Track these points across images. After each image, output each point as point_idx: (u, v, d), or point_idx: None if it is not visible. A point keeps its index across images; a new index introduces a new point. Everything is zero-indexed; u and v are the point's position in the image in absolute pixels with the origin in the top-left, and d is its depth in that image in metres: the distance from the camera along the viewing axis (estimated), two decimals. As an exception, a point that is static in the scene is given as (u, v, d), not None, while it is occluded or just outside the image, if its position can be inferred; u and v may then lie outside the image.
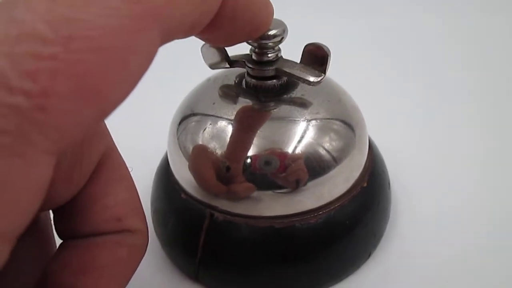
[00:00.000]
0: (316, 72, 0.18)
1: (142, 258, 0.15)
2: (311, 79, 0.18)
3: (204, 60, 0.19)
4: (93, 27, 0.09)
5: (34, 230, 0.15)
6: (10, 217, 0.09)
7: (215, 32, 0.13)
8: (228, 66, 0.19)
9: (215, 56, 0.19)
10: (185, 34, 0.12)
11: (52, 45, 0.09)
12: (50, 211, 0.15)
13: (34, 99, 0.09)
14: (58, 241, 0.15)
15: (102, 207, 0.14)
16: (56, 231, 0.15)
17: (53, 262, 0.14)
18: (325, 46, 0.18)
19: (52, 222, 0.15)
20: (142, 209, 0.15)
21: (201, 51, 0.19)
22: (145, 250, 0.15)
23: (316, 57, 0.18)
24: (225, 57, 0.19)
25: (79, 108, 0.09)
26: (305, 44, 0.18)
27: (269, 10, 0.15)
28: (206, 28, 0.13)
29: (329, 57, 0.17)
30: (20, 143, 0.09)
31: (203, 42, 0.18)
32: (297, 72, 0.18)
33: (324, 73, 0.18)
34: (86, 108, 0.09)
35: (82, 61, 0.09)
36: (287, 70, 0.18)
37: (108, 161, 0.15)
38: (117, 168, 0.15)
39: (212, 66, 0.19)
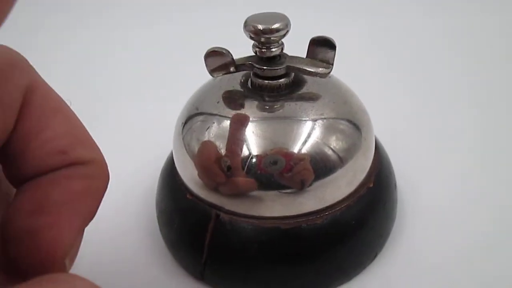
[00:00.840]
0: (324, 64, 0.18)
1: (104, 188, 0.14)
2: (321, 71, 0.18)
3: (207, 68, 0.19)
4: None
5: None
6: None
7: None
8: (234, 70, 0.19)
9: (219, 63, 0.19)
10: None
11: None
12: None
13: None
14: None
15: (40, 143, 0.13)
16: (7, 179, 0.14)
17: (9, 208, 0.13)
18: (331, 38, 0.18)
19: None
20: (91, 138, 0.15)
21: (205, 60, 0.19)
22: (105, 180, 0.14)
23: (322, 50, 0.18)
24: (231, 62, 0.19)
25: None
26: (309, 40, 0.18)
27: None
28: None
29: (335, 50, 0.18)
30: None
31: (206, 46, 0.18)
32: (307, 67, 0.18)
33: (332, 64, 0.18)
34: None
35: None
36: (298, 65, 0.18)
37: (35, 95, 0.14)
38: (49, 101, 0.14)
39: (215, 74, 0.19)
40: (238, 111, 0.19)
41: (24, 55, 0.14)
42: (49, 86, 0.14)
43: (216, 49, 0.18)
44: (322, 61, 0.18)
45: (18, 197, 0.14)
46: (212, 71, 0.19)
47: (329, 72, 0.18)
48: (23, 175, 0.14)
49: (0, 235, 0.13)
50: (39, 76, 0.14)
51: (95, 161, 0.14)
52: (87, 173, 0.14)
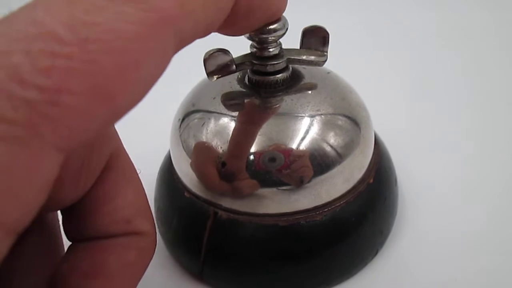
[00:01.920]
0: (319, 53, 0.18)
1: (150, 261, 0.15)
2: (318, 59, 0.18)
3: (206, 71, 0.18)
4: (107, 30, 0.10)
5: (42, 231, 0.15)
6: (9, 207, 0.09)
7: (230, 28, 0.14)
8: (234, 69, 0.18)
9: (218, 63, 0.18)
10: (200, 37, 0.12)
11: (68, 46, 0.09)
12: (59, 213, 0.15)
13: (46, 94, 0.09)
14: (66, 243, 0.15)
15: (110, 209, 0.14)
16: (65, 232, 0.15)
17: (63, 264, 0.14)
18: (322, 26, 0.18)
19: (61, 223, 0.15)
20: (151, 211, 0.15)
21: (204, 63, 0.18)
22: (153, 253, 0.15)
23: (315, 39, 0.18)
24: (231, 62, 0.18)
25: (90, 107, 0.09)
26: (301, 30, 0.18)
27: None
28: (220, 26, 0.13)
29: (328, 37, 0.18)
30: (28, 134, 0.09)
31: (205, 49, 0.18)
32: (305, 57, 0.18)
33: (327, 52, 0.18)
34: (97, 108, 0.10)
35: (97, 62, 0.09)
36: (296, 57, 0.18)
37: (116, 163, 0.15)
38: (125, 170, 0.15)
39: (211, 74, 0.18)
40: (237, 109, 0.18)
41: None
42: (127, 154, 0.15)
43: (215, 51, 0.18)
44: (317, 50, 0.18)
45: (74, 256, 0.14)
46: (210, 74, 0.18)
47: (326, 60, 0.18)
48: (83, 234, 0.14)
49: (50, 285, 0.14)
50: (121, 142, 0.15)
51: (150, 234, 0.15)
52: (141, 245, 0.15)
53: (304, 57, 0.18)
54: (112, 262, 0.14)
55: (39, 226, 0.14)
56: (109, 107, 0.10)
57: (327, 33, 0.18)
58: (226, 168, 0.18)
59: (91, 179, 0.14)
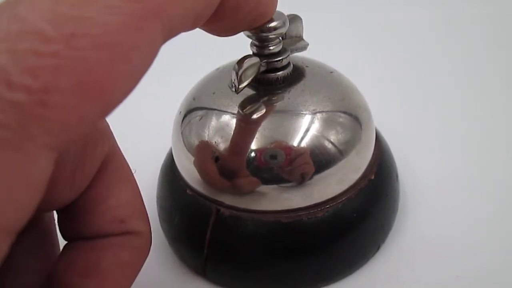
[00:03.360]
0: (298, 39, 0.19)
1: (144, 261, 0.15)
2: (301, 44, 0.19)
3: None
4: (94, 24, 0.09)
5: (37, 230, 0.15)
6: (9, 210, 0.09)
7: (218, 23, 0.13)
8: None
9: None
10: (188, 29, 0.12)
11: (53, 43, 0.09)
12: (55, 213, 0.15)
13: (34, 95, 0.09)
14: (62, 242, 0.15)
15: (105, 209, 0.14)
16: (61, 232, 0.15)
17: (58, 263, 0.14)
18: (296, 14, 0.19)
19: (56, 223, 0.15)
20: (146, 211, 0.15)
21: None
22: (148, 253, 0.15)
23: (293, 27, 0.19)
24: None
25: (81, 104, 0.09)
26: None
27: None
28: (209, 20, 0.13)
29: (301, 20, 0.19)
30: (20, 137, 0.09)
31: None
32: (293, 46, 0.19)
33: (303, 37, 0.19)
34: (88, 104, 0.09)
35: (84, 58, 0.09)
36: (292, 47, 0.19)
37: (111, 162, 0.15)
38: (120, 170, 0.15)
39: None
40: (235, 105, 0.18)
41: None
42: (122, 154, 0.15)
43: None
44: (297, 37, 0.19)
45: (70, 254, 0.14)
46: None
47: (307, 44, 0.19)
48: (79, 233, 0.14)
49: (45, 284, 0.14)
50: (116, 142, 0.15)
51: (145, 234, 0.15)
52: (136, 245, 0.15)
53: (296, 46, 0.19)
54: (107, 261, 0.14)
55: (35, 225, 0.15)
56: (99, 103, 0.10)
57: (300, 19, 0.19)
58: (219, 163, 0.18)
59: (86, 179, 0.14)
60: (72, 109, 0.09)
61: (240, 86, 0.17)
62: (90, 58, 0.09)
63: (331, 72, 0.20)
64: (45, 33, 0.09)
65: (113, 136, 0.15)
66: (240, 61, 0.17)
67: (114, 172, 0.15)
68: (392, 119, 0.25)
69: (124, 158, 0.15)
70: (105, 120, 0.15)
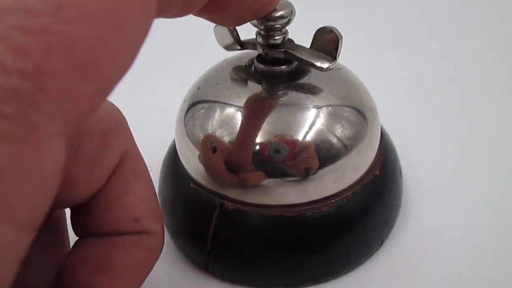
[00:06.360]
0: (328, 57, 0.17)
1: (156, 261, 0.15)
2: (322, 64, 0.17)
3: (217, 42, 0.19)
4: None
5: (48, 227, 0.15)
6: (30, 204, 0.09)
7: (223, 12, 0.13)
8: (239, 48, 0.18)
9: (228, 38, 0.19)
10: (184, 3, 0.11)
11: (40, 16, 0.08)
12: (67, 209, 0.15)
13: (30, 79, 0.08)
14: (72, 238, 0.15)
15: (120, 207, 0.14)
16: (73, 228, 0.15)
17: (70, 258, 0.14)
18: (337, 29, 0.17)
19: (69, 219, 0.15)
20: (160, 211, 0.15)
21: (214, 32, 0.19)
22: (160, 253, 0.15)
23: (328, 42, 0.17)
24: (236, 39, 0.18)
25: (79, 84, 0.09)
26: (316, 29, 0.18)
27: None
28: (216, 9, 0.12)
29: (340, 42, 0.17)
30: (24, 128, 0.08)
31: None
32: (306, 57, 0.17)
33: (336, 58, 0.17)
34: (86, 83, 0.09)
35: (75, 31, 0.08)
36: (296, 54, 0.17)
37: (128, 160, 0.14)
38: (137, 168, 0.15)
39: (227, 48, 0.19)
40: (237, 96, 0.18)
41: None
42: (139, 152, 0.15)
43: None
44: (326, 53, 0.17)
45: (81, 250, 0.14)
46: (223, 46, 0.19)
47: (331, 67, 0.17)
48: (92, 230, 0.14)
49: (55, 279, 0.14)
50: (133, 140, 0.15)
51: (158, 233, 0.15)
52: (149, 244, 0.14)
53: (304, 56, 0.17)
54: (119, 259, 0.14)
55: (45, 222, 0.14)
56: (98, 80, 0.09)
57: (339, 38, 0.17)
58: (224, 157, 0.18)
59: (103, 176, 0.14)
60: (70, 90, 0.08)
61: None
62: (80, 30, 0.08)
63: (339, 69, 0.20)
64: (29, 5, 0.08)
65: (131, 134, 0.15)
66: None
67: (131, 170, 0.14)
68: (395, 115, 0.25)
69: (141, 157, 0.15)
70: (123, 117, 0.15)
